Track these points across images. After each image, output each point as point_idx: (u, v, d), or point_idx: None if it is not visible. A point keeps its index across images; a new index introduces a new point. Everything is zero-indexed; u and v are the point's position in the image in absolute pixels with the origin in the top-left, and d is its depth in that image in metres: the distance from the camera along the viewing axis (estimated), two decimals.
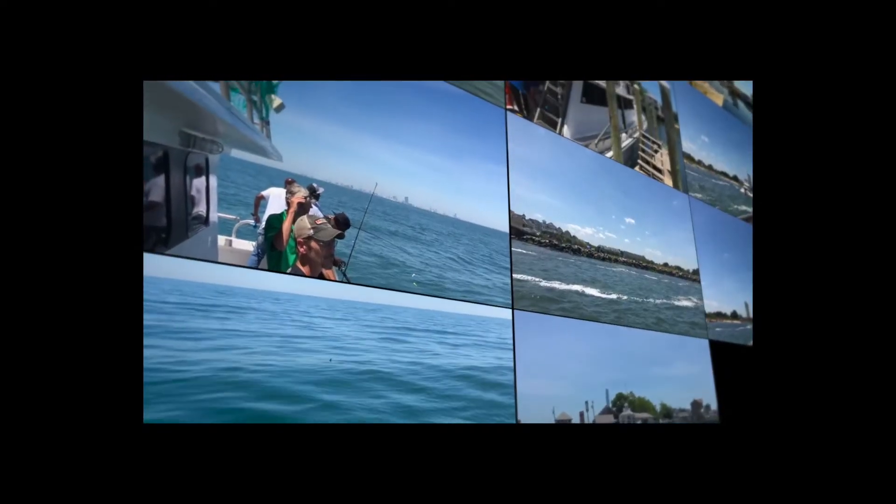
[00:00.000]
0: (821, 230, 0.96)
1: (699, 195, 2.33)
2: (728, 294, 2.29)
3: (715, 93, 2.80)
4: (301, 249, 0.98)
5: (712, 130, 2.62)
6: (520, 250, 1.40)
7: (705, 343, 2.01)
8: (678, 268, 2.02)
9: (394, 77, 1.21)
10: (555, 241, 1.52)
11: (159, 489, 0.69)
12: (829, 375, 0.90)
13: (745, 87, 3.02)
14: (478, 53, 1.28)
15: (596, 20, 1.33)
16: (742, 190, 2.73)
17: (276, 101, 1.02)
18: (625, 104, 2.05)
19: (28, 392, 0.63)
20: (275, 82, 1.03)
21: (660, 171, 2.12)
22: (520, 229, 1.43)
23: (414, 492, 0.87)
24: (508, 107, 1.52)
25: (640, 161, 2.02)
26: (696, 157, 2.43)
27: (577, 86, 1.83)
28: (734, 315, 2.28)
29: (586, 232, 1.64)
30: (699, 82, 2.73)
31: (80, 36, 0.71)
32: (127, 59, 0.73)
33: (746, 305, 2.41)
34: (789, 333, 0.94)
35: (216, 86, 0.94)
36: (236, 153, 0.94)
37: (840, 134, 0.99)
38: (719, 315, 2.17)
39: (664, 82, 2.37)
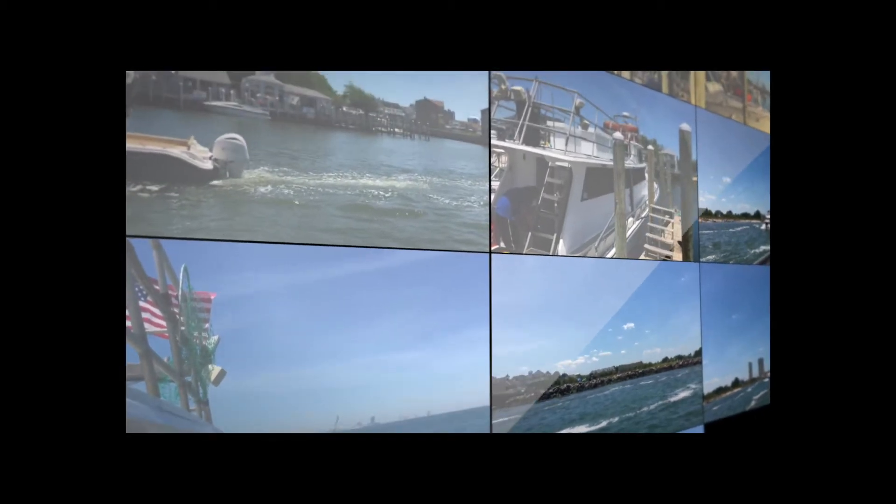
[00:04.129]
0: (838, 228, 0.96)
1: (712, 257, 2.14)
2: (731, 362, 2.21)
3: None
4: None
5: (736, 162, 2.35)
6: (502, 419, 1.33)
7: (699, 429, 1.98)
8: (678, 357, 1.92)
9: (381, 67, 1.13)
10: (541, 391, 1.44)
11: (140, 499, 0.70)
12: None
13: None
14: (481, 42, 1.20)
15: (613, 10, 1.29)
16: (763, 227, 2.51)
17: (215, 371, 0.90)
18: (634, 178, 1.82)
19: (13, 401, 0.64)
20: (210, 347, 0.91)
21: (669, 247, 1.93)
22: (502, 394, 1.34)
23: (394, 499, 0.91)
24: (494, 247, 1.35)
25: (646, 245, 1.83)
26: (714, 209, 2.20)
27: (578, 181, 1.61)
28: (735, 384, 2.22)
29: (578, 363, 1.54)
30: (753, 108, 2.40)
31: (63, 26, 0.69)
32: (110, 49, 0.72)
33: (750, 366, 2.33)
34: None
35: (142, 385, 0.83)
36: None
37: (860, 127, 0.96)
38: (719, 391, 2.11)
39: (685, 126, 2.07)
